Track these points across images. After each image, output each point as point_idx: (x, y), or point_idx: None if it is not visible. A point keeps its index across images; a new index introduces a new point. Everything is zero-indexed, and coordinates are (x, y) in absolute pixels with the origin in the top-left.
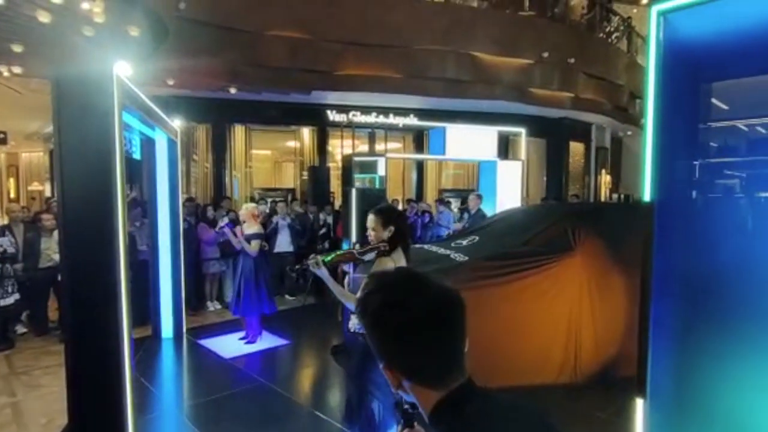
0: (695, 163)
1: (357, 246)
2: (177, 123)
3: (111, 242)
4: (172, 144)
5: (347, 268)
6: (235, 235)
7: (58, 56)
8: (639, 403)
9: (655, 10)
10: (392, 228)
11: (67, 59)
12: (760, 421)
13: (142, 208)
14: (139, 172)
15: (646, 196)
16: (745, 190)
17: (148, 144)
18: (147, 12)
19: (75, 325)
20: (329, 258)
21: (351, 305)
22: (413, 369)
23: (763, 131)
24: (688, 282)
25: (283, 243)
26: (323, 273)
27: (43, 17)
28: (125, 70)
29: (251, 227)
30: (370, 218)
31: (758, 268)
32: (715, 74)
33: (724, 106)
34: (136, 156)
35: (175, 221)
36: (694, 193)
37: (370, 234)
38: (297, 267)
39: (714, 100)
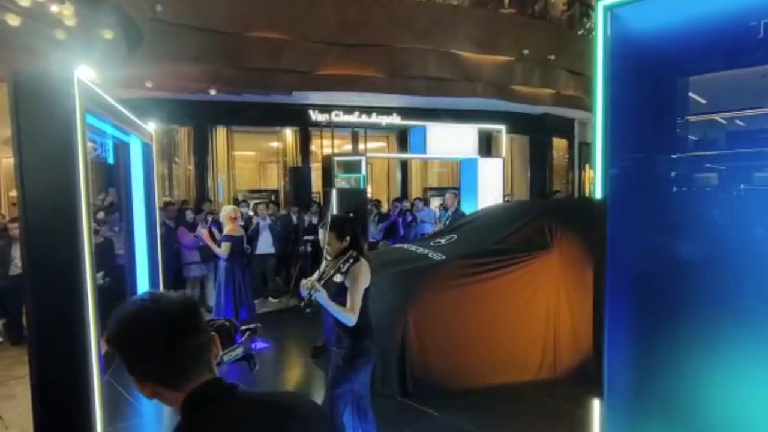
0: (648, 158)
1: (329, 258)
2: (152, 126)
3: (75, 248)
4: (147, 148)
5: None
6: (214, 239)
7: (24, 59)
8: (596, 403)
9: (600, 5)
10: (348, 238)
11: (32, 62)
12: (716, 417)
13: (121, 213)
14: (117, 177)
15: (598, 193)
16: (701, 187)
17: (122, 148)
18: (120, 15)
19: (39, 335)
20: (322, 279)
21: (348, 319)
22: (156, 375)
23: (723, 124)
24: (643, 280)
25: (265, 245)
26: (322, 295)
27: (12, 20)
28: (88, 73)
29: (228, 230)
30: (322, 233)
31: (713, 265)
32: (666, 69)
33: (703, 100)
34: (110, 160)
35: (152, 225)
36: (646, 190)
37: (327, 248)
38: (304, 304)
39: (691, 94)
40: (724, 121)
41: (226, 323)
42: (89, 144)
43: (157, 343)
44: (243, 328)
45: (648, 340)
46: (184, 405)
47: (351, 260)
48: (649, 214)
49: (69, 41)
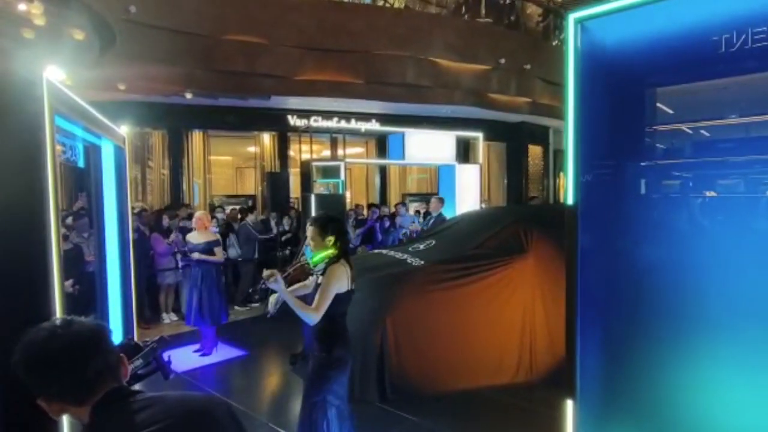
0: (618, 165)
1: (304, 258)
2: (125, 129)
3: (44, 254)
4: (119, 151)
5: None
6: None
7: None
8: (569, 404)
9: (571, 18)
10: (331, 237)
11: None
12: (683, 417)
13: (91, 218)
14: (88, 181)
15: (570, 199)
16: (668, 193)
17: (93, 151)
18: (92, 15)
19: (3, 345)
20: (286, 273)
21: (309, 318)
22: (65, 394)
23: (690, 134)
24: (613, 284)
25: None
26: (280, 287)
27: None
28: (57, 73)
29: (201, 236)
30: (309, 229)
31: (681, 269)
32: (633, 79)
33: (669, 110)
34: (80, 164)
35: (123, 231)
36: (616, 196)
37: (310, 244)
38: (253, 289)
39: (659, 105)
40: (689, 131)
41: (131, 342)
42: (58, 147)
43: (69, 364)
44: (149, 342)
45: (619, 342)
46: (90, 418)
47: (327, 260)
48: (618, 219)
49: (37, 41)
